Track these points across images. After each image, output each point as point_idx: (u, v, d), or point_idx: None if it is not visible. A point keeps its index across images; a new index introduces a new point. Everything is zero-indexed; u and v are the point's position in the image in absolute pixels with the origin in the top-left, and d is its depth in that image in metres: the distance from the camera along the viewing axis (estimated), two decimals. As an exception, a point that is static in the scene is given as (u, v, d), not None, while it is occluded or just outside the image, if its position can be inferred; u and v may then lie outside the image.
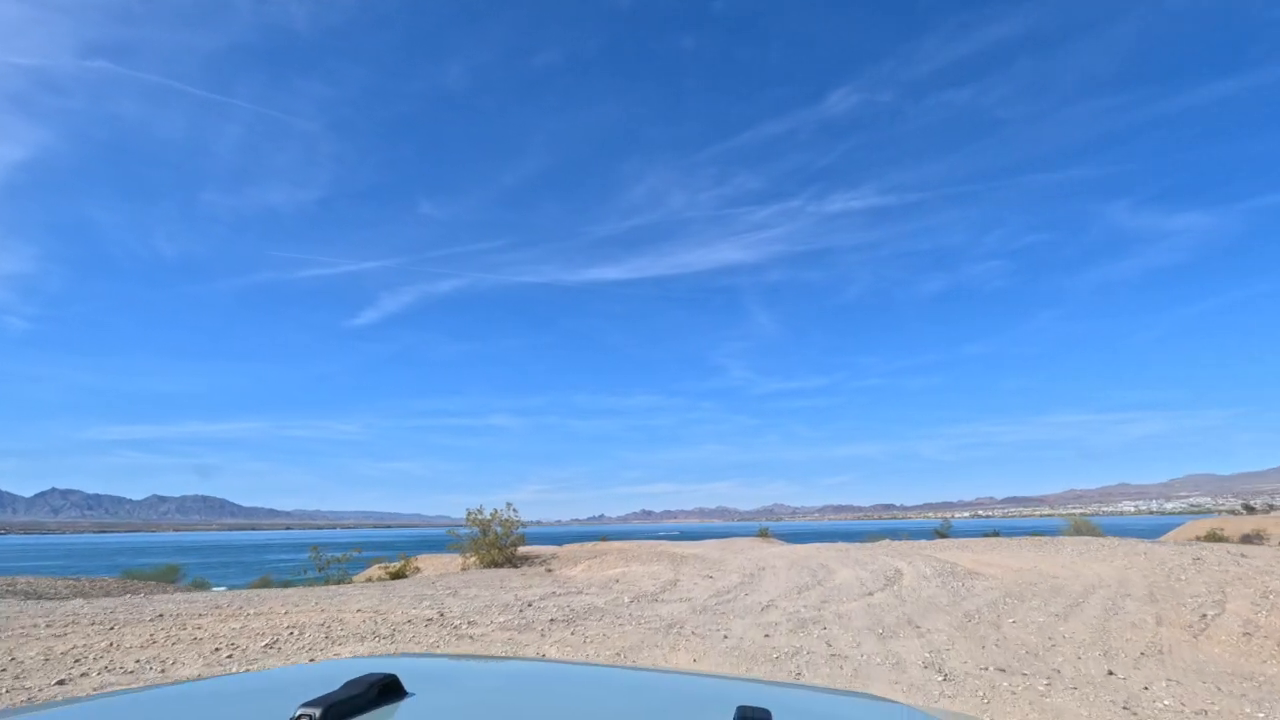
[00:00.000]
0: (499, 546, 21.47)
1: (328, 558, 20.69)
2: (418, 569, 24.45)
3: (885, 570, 12.88)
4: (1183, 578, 10.26)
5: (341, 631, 7.82)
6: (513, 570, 19.18)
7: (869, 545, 21.60)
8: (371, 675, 1.14)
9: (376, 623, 8.36)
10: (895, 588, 11.03)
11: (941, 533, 27.40)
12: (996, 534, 24.85)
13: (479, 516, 21.94)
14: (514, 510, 21.52)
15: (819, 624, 8.29)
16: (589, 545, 31.61)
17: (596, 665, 1.83)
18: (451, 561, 22.37)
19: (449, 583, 14.24)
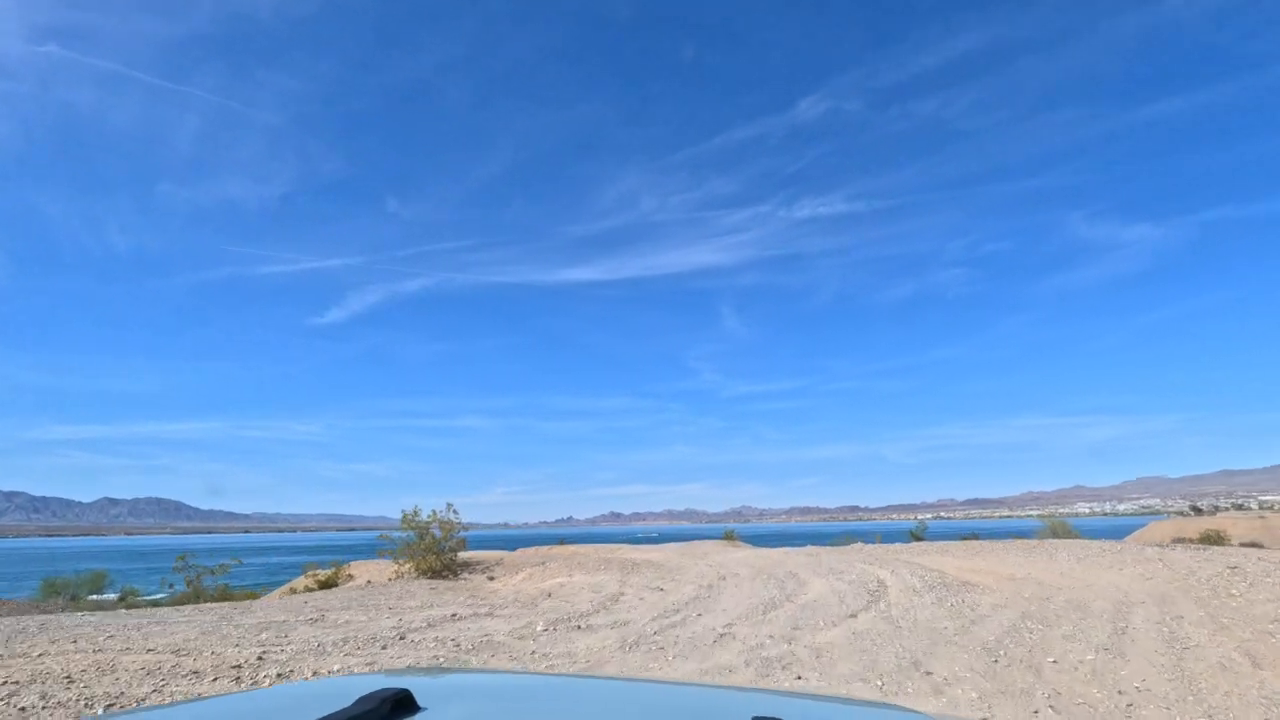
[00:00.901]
0: (436, 552, 18.85)
1: (198, 569, 17.75)
2: (350, 576, 21.74)
3: (865, 581, 10.73)
4: (1234, 592, 8.26)
5: (66, 694, 5.22)
6: (444, 581, 16.66)
7: (841, 549, 19.51)
8: (384, 691, 1.17)
9: (154, 673, 5.77)
10: (882, 605, 8.82)
11: (917, 535, 25.46)
12: (975, 536, 23.05)
13: (415, 519, 19.31)
14: (454, 512, 19.12)
15: (791, 666, 5.99)
16: (543, 550, 29.04)
17: (611, 678, 2.10)
18: (389, 568, 19.69)
19: (332, 600, 11.69)
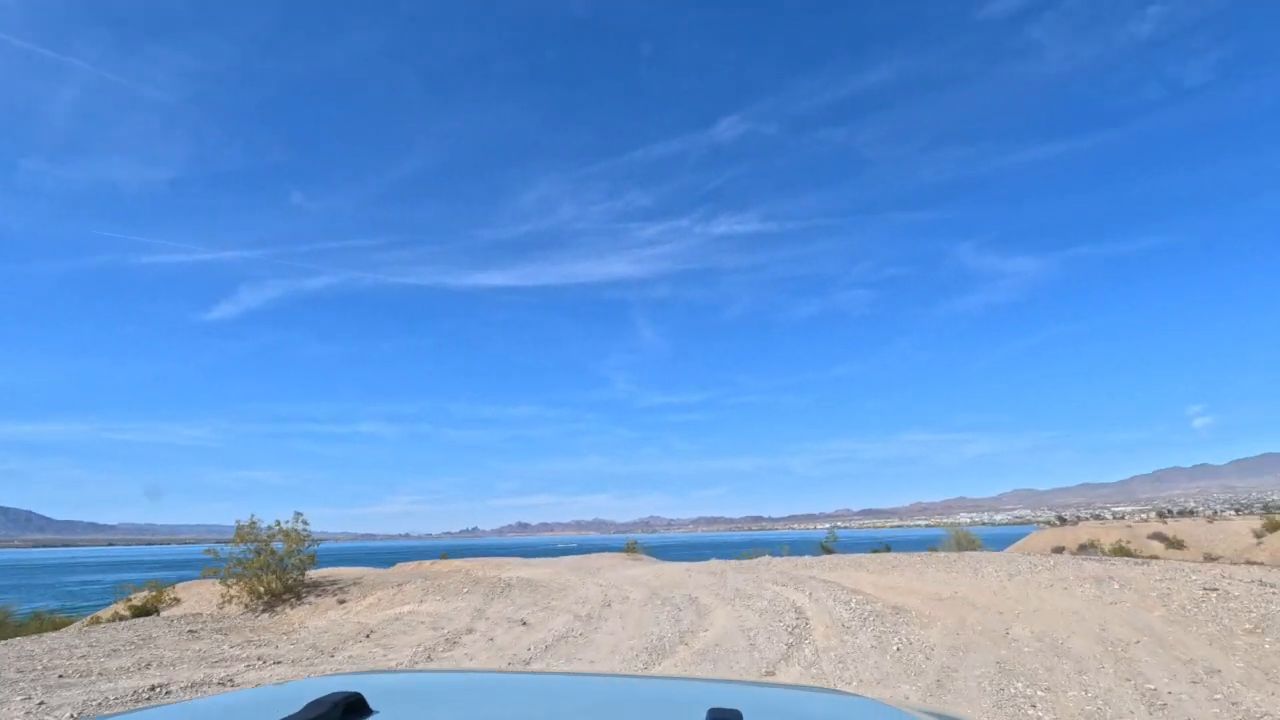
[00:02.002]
0: (276, 571, 15.61)
1: None
2: (177, 600, 17.97)
3: (780, 610, 8.81)
4: (1246, 626, 6.56)
5: None
6: (271, 613, 13.56)
7: (748, 564, 17.71)
8: (335, 695, 1.15)
9: None
10: (807, 651, 6.83)
11: (827, 547, 24.12)
12: (888, 548, 22.06)
13: (252, 531, 15.94)
14: (304, 523, 15.97)
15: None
16: (413, 566, 25.86)
17: (564, 674, 1.99)
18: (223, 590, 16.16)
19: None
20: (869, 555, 18.87)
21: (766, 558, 20.44)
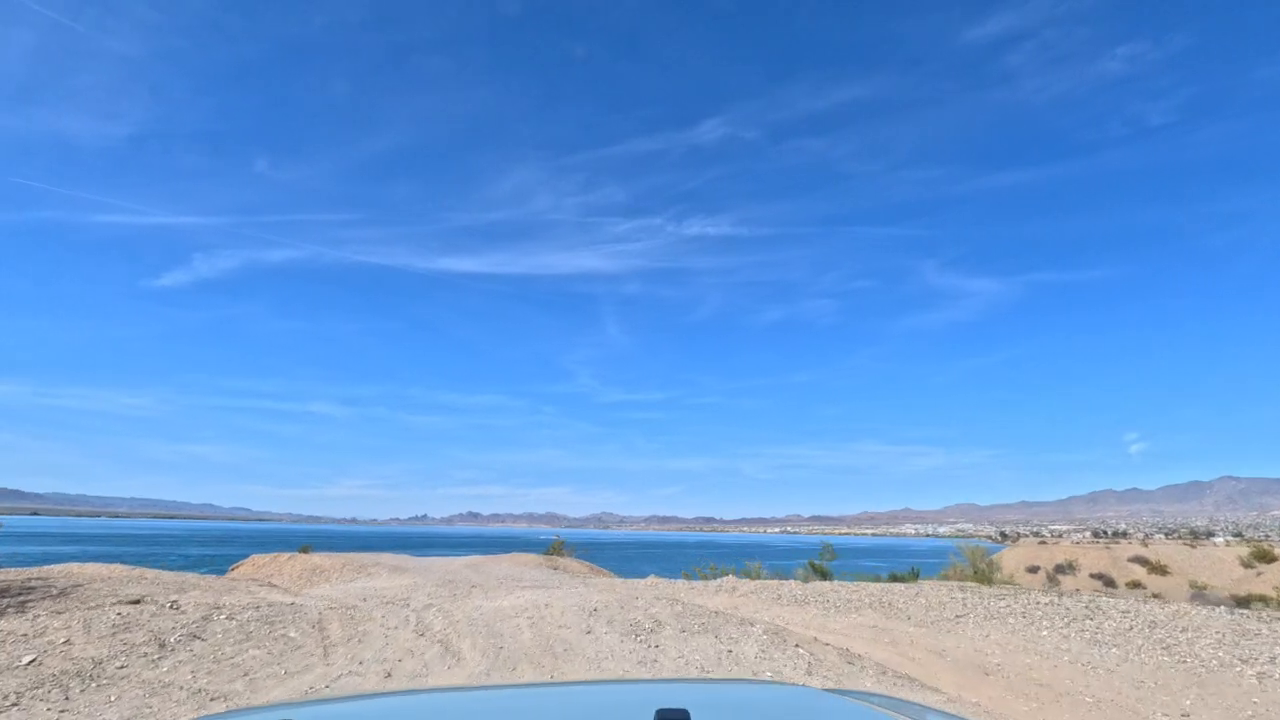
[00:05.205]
0: None
1: None
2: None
3: None
4: None
5: None
6: None
7: (705, 588, 13.98)
8: None
9: None
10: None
11: (821, 569, 20.02)
12: (914, 576, 17.98)
13: None
14: None
15: None
16: (263, 560, 22.59)
17: (503, 686, 1.94)
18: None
19: None
20: (875, 583, 15.13)
21: (729, 579, 16.66)
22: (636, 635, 7.92)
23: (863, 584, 14.85)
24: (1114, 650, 8.20)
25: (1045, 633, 9.13)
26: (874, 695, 1.71)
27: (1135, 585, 43.71)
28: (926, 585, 14.07)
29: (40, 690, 5.36)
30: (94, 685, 5.55)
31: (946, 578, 26.34)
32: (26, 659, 6.06)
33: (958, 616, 10.71)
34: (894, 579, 16.86)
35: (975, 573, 24.96)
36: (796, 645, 7.39)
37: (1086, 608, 10.21)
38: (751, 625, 8.52)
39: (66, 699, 5.20)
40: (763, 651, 6.98)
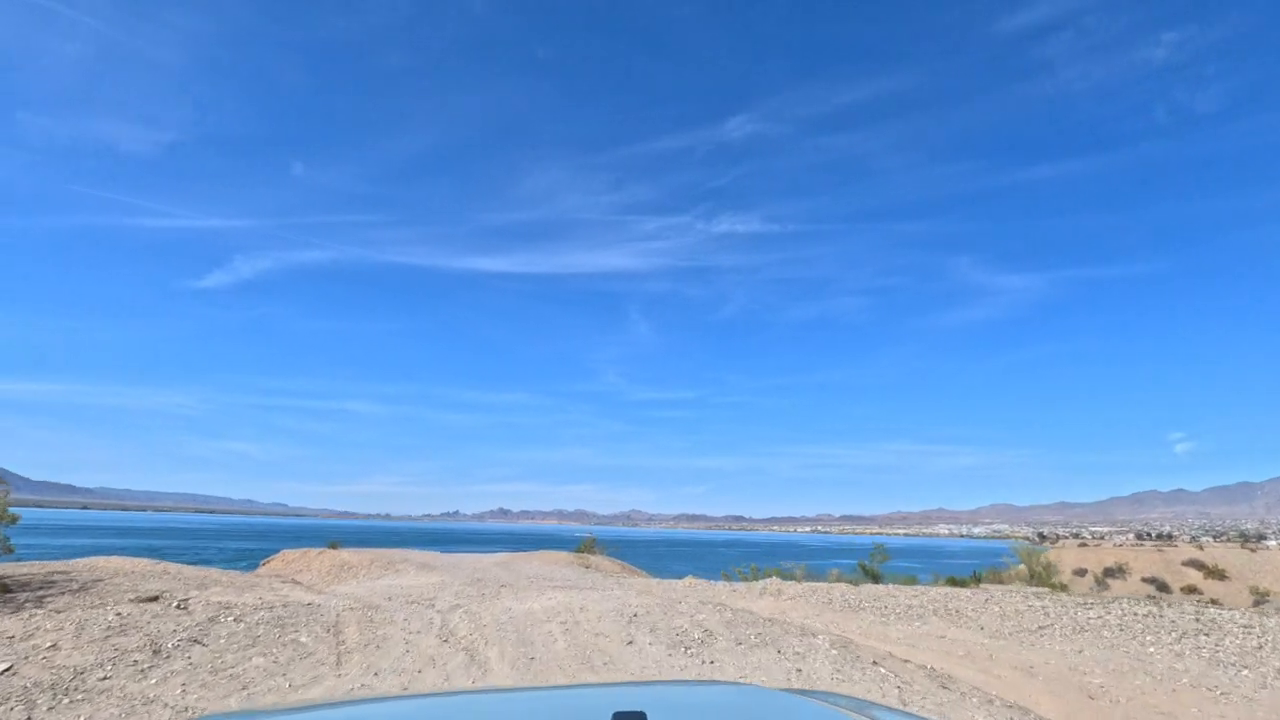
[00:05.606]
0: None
1: None
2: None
3: None
4: None
5: None
6: None
7: (745, 589, 13.02)
8: None
9: None
10: None
11: (872, 571, 18.56)
12: (976, 580, 16.42)
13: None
14: None
15: None
16: (293, 555, 22.14)
17: (458, 693, 1.95)
18: None
19: None
20: (935, 587, 13.43)
21: (773, 580, 15.38)
22: (686, 648, 6.96)
23: (922, 588, 13.67)
24: (1246, 673, 7.00)
25: (1152, 649, 7.94)
26: (828, 694, 1.71)
27: (1190, 590, 41.38)
28: (996, 591, 12.82)
29: (2, 708, 4.62)
30: (65, 701, 4.80)
31: (1001, 581, 24.88)
32: (1, 667, 5.36)
33: (1040, 627, 9.54)
34: (953, 583, 15.52)
35: (1032, 575, 23.50)
36: (874, 662, 6.36)
37: (1197, 620, 8.96)
38: (814, 636, 7.49)
39: (29, 718, 4.46)
40: (837, 670, 5.96)
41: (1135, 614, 9.53)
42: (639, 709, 1.21)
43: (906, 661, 6.70)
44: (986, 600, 11.28)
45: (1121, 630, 8.80)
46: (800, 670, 5.98)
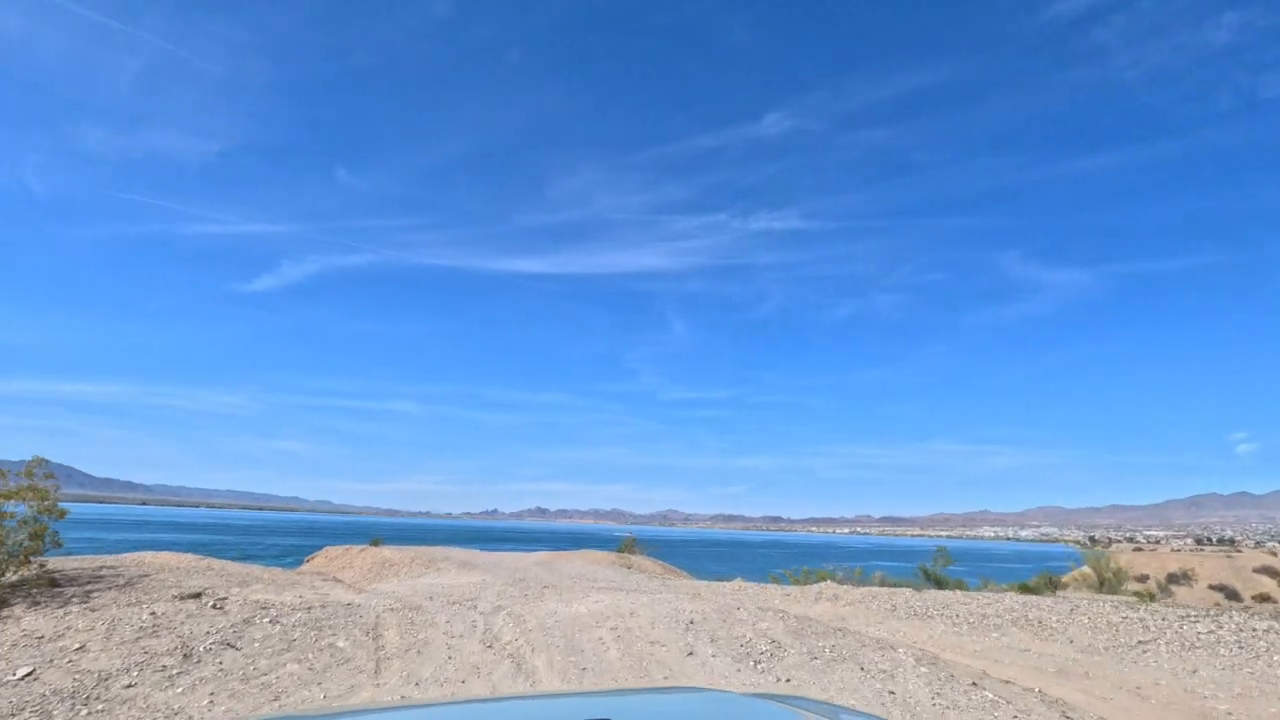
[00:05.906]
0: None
1: None
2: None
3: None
4: None
5: None
6: None
7: (799, 593, 12.33)
8: None
9: None
10: None
11: (936, 576, 17.26)
12: (1052, 587, 14.41)
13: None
14: (49, 477, 9.81)
15: None
16: (335, 552, 22.07)
17: (421, 706, 1.92)
18: None
19: None
20: (1009, 594, 12.02)
21: (828, 584, 14.51)
22: (754, 661, 6.28)
23: (993, 595, 12.67)
24: None
25: (1284, 671, 6.97)
26: (793, 698, 1.75)
27: (1264, 599, 38.90)
28: (1081, 600, 11.78)
29: (17, 718, 4.22)
30: (83, 712, 4.39)
31: (1065, 586, 23.45)
32: (22, 671, 5.00)
33: (1140, 642, 8.58)
34: (1025, 589, 14.43)
35: (1101, 582, 22.07)
36: (973, 683, 5.58)
37: (1332, 639, 7.89)
38: (894, 650, 6.73)
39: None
40: (937, 694, 5.21)
41: (1255, 629, 8.48)
42: (605, 717, 1.22)
43: (1009, 683, 5.90)
44: (1072, 610, 10.30)
45: (1241, 648, 7.80)
46: (893, 692, 5.25)
